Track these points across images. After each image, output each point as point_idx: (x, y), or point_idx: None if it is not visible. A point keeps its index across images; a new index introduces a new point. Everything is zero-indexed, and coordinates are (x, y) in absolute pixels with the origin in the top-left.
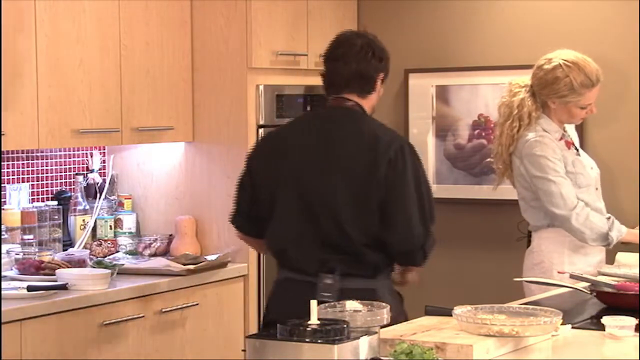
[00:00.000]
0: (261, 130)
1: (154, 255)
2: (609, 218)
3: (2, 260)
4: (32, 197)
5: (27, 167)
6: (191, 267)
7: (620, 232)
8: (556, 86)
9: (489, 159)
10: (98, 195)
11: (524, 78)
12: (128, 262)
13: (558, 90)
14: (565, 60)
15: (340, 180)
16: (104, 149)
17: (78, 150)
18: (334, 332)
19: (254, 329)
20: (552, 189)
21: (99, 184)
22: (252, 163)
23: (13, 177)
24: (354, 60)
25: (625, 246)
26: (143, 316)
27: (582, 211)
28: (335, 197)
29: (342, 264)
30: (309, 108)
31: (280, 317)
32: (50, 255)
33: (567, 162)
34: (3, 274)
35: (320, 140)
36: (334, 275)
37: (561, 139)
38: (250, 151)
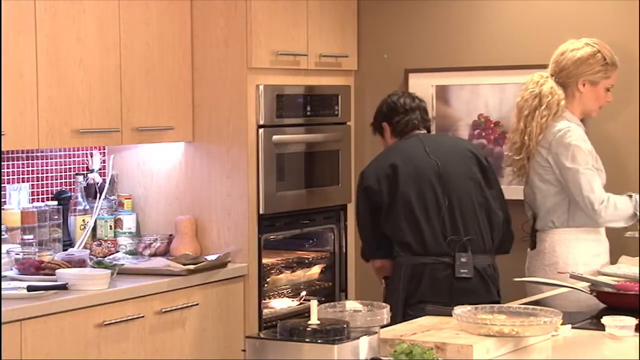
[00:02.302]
0: (261, 130)
1: (154, 255)
2: (630, 197)
3: (2, 260)
4: (32, 197)
5: (27, 167)
6: (191, 267)
7: None
8: (591, 60)
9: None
10: (98, 195)
11: (542, 72)
12: (128, 262)
13: (592, 65)
14: (590, 39)
15: (468, 179)
16: (104, 149)
17: (78, 150)
18: (334, 332)
19: (254, 329)
20: (582, 180)
21: (99, 184)
22: (371, 188)
23: (13, 177)
24: (419, 111)
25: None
26: (143, 316)
27: (609, 203)
28: (468, 189)
29: (471, 244)
30: (308, 108)
31: (426, 296)
32: (50, 255)
33: (593, 156)
34: (3, 274)
35: (432, 150)
36: (467, 254)
37: None
38: (369, 186)
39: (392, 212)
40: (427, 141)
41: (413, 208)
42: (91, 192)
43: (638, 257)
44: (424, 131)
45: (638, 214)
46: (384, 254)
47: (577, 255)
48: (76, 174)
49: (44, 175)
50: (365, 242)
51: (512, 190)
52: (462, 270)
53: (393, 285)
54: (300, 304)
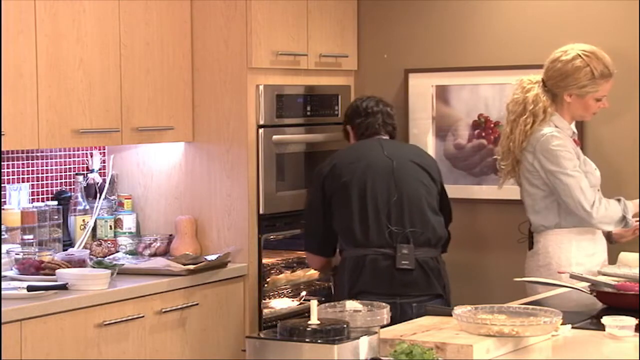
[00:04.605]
0: (261, 130)
1: (154, 255)
2: (619, 200)
3: (2, 260)
4: (32, 197)
5: (27, 167)
6: (191, 267)
7: (630, 209)
8: (577, 75)
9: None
10: (98, 195)
11: (533, 76)
12: (128, 262)
13: (578, 80)
14: (583, 51)
15: (419, 182)
16: (104, 149)
17: (78, 150)
18: (334, 332)
19: (254, 329)
20: (571, 183)
21: (99, 184)
22: (326, 177)
23: (13, 177)
24: (381, 115)
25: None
26: (143, 316)
27: (601, 204)
28: (418, 189)
29: (415, 236)
30: (308, 108)
31: (367, 287)
32: (50, 255)
33: (580, 159)
34: (3, 274)
35: (389, 152)
36: (409, 246)
37: (571, 137)
38: (322, 175)
39: (344, 201)
40: (386, 144)
41: (364, 196)
42: (91, 192)
43: (638, 253)
44: (386, 137)
45: (627, 217)
46: (331, 251)
47: (570, 255)
48: (76, 174)
49: (44, 175)
50: (313, 236)
51: (511, 191)
52: (403, 262)
53: (340, 280)
54: (300, 304)
